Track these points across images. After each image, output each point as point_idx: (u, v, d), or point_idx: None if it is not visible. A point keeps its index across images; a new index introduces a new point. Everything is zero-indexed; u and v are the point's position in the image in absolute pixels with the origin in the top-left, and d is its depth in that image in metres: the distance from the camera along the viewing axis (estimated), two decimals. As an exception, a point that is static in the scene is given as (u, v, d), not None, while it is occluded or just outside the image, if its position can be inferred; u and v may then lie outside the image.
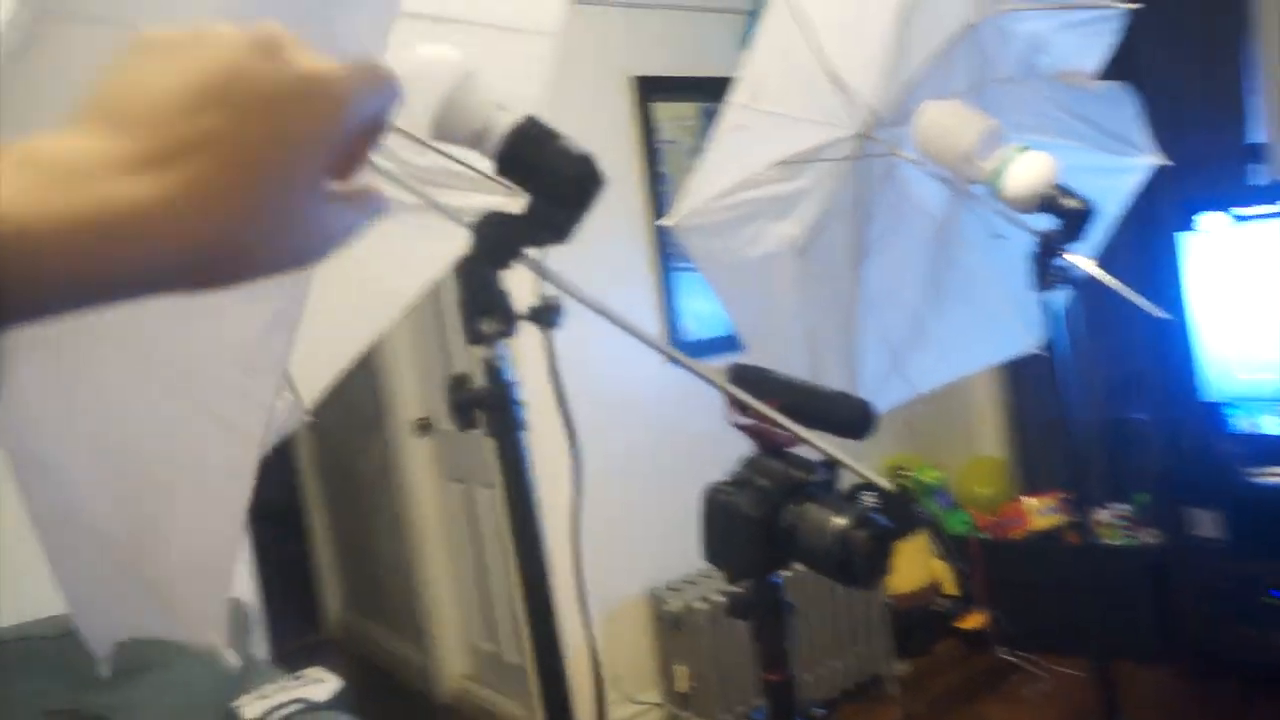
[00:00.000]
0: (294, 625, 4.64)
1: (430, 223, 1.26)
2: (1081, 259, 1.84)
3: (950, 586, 3.62)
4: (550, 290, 0.85)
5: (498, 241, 0.82)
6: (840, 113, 2.00)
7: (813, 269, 2.12)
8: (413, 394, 3.80)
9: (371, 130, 0.43)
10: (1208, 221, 3.05)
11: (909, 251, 2.20)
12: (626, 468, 3.18)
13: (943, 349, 2.23)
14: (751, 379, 1.22)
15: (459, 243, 0.87)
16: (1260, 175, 3.23)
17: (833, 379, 2.17)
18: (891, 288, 2.21)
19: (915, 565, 3.55)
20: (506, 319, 0.82)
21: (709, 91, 2.77)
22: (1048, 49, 2.07)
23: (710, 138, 1.96)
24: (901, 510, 3.23)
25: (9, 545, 1.90)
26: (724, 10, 3.38)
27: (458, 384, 0.85)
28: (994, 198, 1.80)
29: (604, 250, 3.19)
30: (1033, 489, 3.75)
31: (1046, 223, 1.80)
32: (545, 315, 0.85)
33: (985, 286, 2.22)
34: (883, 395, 2.20)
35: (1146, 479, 3.44)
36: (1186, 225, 3.09)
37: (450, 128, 0.84)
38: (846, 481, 1.17)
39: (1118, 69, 3.37)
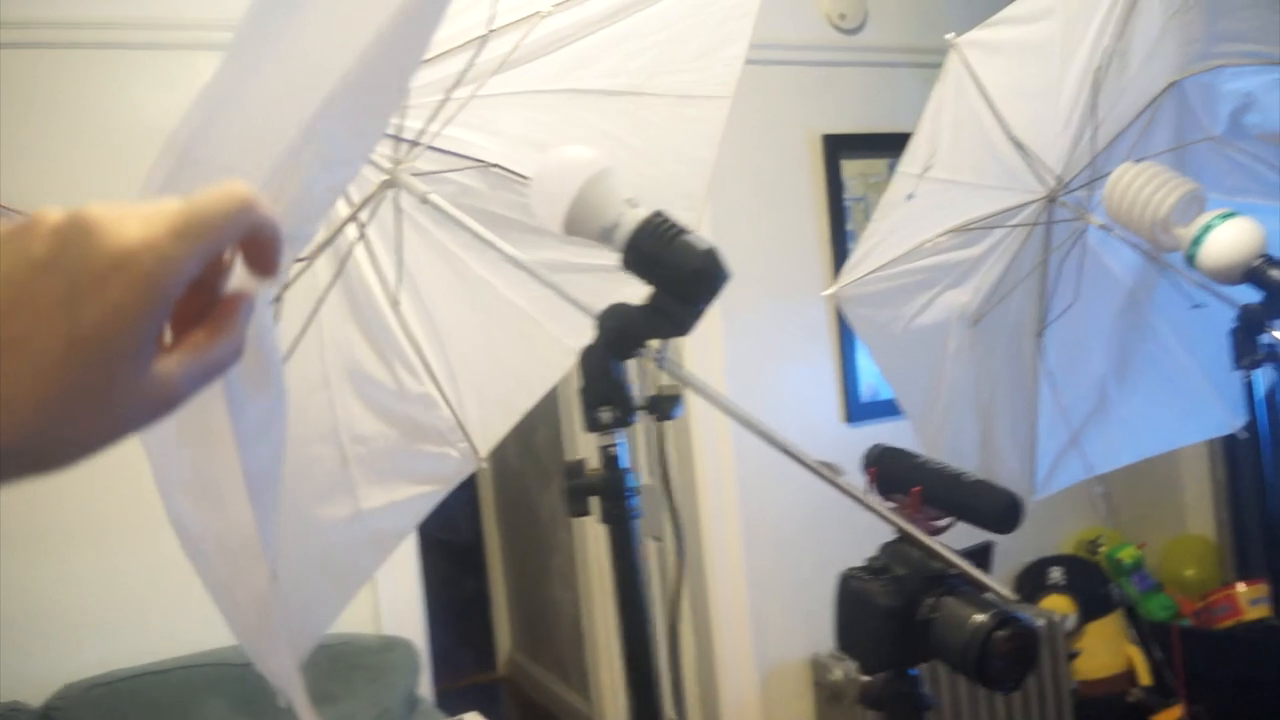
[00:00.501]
0: (467, 662, 4.82)
1: (606, 285, 1.30)
2: (1287, 337, 1.70)
3: (1146, 676, 3.36)
4: (668, 381, 0.87)
5: (620, 332, 0.85)
6: (1024, 177, 1.94)
7: (987, 339, 2.06)
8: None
9: (257, 248, 0.42)
10: None
11: (1096, 322, 2.10)
12: (797, 526, 3.15)
13: (1128, 427, 2.10)
14: (892, 463, 1.20)
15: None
16: None
17: (1004, 454, 2.09)
18: (1075, 360, 2.11)
19: (1108, 650, 3.31)
20: (625, 408, 0.85)
21: (898, 147, 2.74)
22: (1260, 107, 1.94)
23: (877, 209, 1.94)
24: (1092, 588, 3.03)
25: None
26: (913, 65, 3.34)
27: (573, 470, 0.89)
28: (1192, 267, 1.70)
29: (787, 307, 3.20)
30: (1247, 574, 3.43)
31: (1250, 296, 1.67)
32: (662, 405, 0.87)
33: (1180, 361, 2.08)
34: (1057, 474, 2.09)
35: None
36: None
37: (581, 225, 0.88)
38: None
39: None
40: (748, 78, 3.27)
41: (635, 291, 0.91)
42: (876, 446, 1.24)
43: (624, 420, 0.87)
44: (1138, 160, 1.80)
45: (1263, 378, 1.73)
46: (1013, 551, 3.51)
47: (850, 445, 3.33)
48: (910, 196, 1.89)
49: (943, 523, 1.16)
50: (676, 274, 0.83)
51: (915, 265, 1.96)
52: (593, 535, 3.87)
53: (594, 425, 0.86)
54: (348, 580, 1.58)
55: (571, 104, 1.44)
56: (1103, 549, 3.59)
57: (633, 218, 0.86)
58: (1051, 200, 1.98)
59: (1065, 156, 1.93)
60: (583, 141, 1.35)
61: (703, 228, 3.06)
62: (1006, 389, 2.12)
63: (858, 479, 1.26)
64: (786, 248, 3.24)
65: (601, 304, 0.95)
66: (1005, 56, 1.88)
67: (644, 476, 3.43)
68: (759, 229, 3.22)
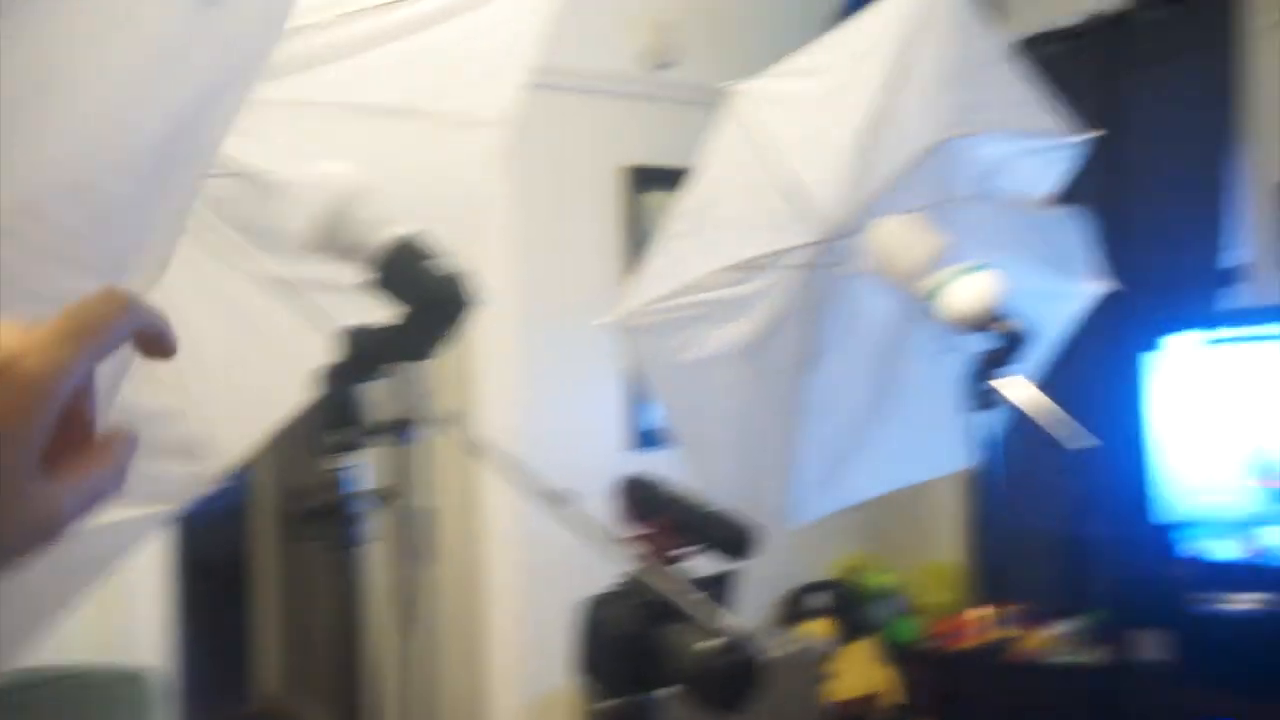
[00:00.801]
0: (228, 694, 4.53)
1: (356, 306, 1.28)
2: (1013, 382, 1.86)
3: (895, 695, 3.59)
4: (413, 406, 0.87)
5: (360, 353, 0.84)
6: (798, 221, 2.04)
7: (758, 373, 2.15)
8: (376, 462, 3.80)
9: (148, 340, 0.43)
10: (1175, 343, 3.08)
11: (856, 361, 2.23)
12: (572, 557, 3.18)
13: (879, 460, 2.25)
14: (642, 492, 1.25)
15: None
16: (1237, 297, 3.28)
17: (768, 483, 2.20)
18: (836, 395, 2.23)
19: (860, 671, 3.53)
20: (360, 431, 0.84)
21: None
22: (1007, 172, 2.12)
23: (657, 241, 2.01)
24: (851, 612, 3.23)
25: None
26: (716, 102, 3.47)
27: (297, 496, 0.87)
28: (938, 315, 1.84)
29: (587, 334, 3.25)
30: (990, 599, 3.73)
31: (987, 343, 1.83)
32: (400, 430, 0.87)
33: (929, 401, 2.21)
34: (815, 504, 2.22)
35: (1097, 597, 3.45)
36: (1152, 346, 3.12)
37: (331, 241, 0.87)
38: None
39: (1088, 189, 3.46)
40: (559, 105, 3.33)
41: (385, 312, 0.90)
42: (629, 475, 1.28)
43: (358, 443, 0.86)
44: (900, 213, 1.95)
45: (992, 419, 1.90)
46: (779, 576, 3.67)
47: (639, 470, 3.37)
48: (689, 232, 1.98)
49: (686, 550, 1.22)
50: (422, 298, 0.83)
51: (694, 299, 2.03)
52: (369, 560, 3.77)
53: (326, 447, 0.85)
54: (52, 609, 1.46)
55: (346, 117, 1.41)
56: (862, 574, 3.82)
57: (383, 238, 0.86)
58: (823, 245, 2.08)
59: (837, 205, 2.03)
60: (355, 157, 1.33)
61: (503, 250, 3.08)
62: (773, 422, 2.22)
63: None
64: (589, 274, 3.30)
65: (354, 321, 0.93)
66: (782, 107, 1.99)
67: (426, 497, 3.39)
68: (563, 254, 3.27)
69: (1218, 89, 3.22)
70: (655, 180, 3.39)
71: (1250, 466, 2.90)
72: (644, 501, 1.22)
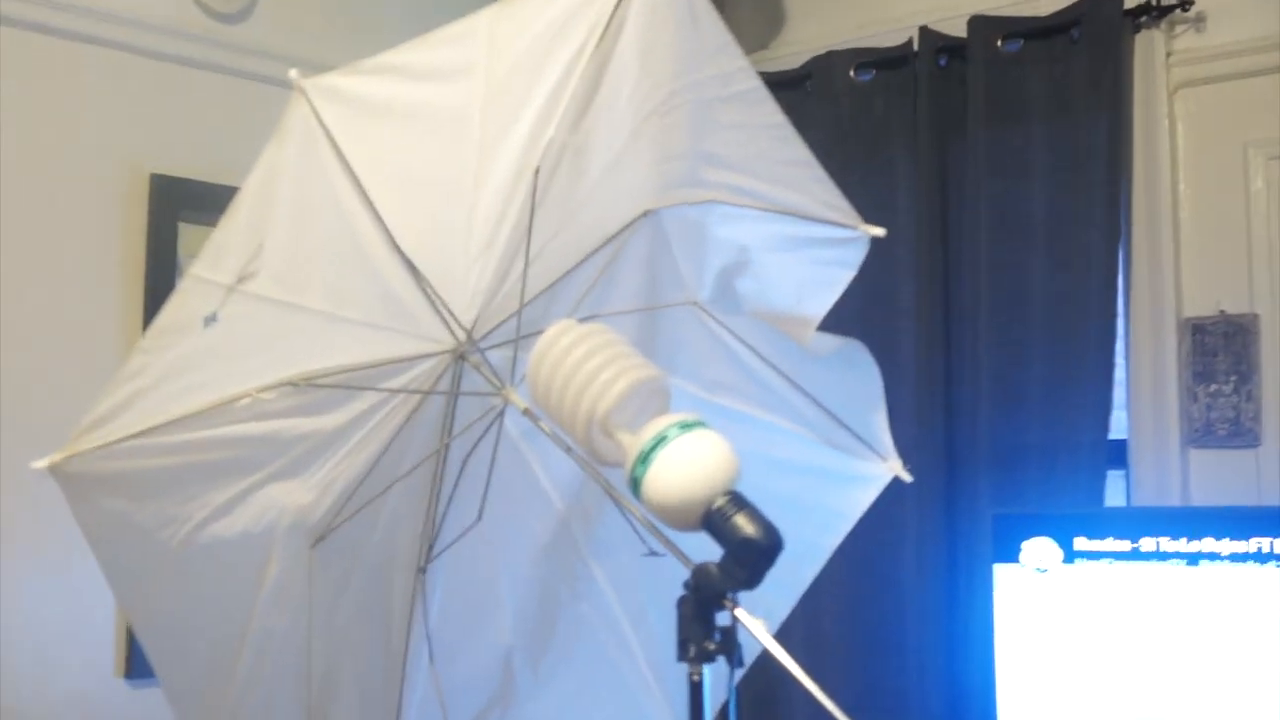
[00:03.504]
0: None
1: None
2: (751, 619, 1.79)
3: None
4: None
5: None
6: (415, 315, 2.02)
7: (335, 568, 2.12)
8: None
9: None
10: (1032, 552, 3.18)
11: (509, 559, 2.25)
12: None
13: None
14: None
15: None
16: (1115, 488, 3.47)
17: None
18: (472, 616, 2.26)
19: None
20: None
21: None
22: (754, 271, 2.11)
23: (149, 332, 1.90)
24: None
25: None
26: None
27: None
28: (637, 496, 1.76)
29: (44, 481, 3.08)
30: None
31: (711, 550, 1.76)
32: None
33: (621, 635, 2.27)
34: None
35: None
36: (1005, 555, 3.20)
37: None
38: None
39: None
40: (36, 57, 3.16)
41: None
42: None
43: None
44: (584, 319, 1.90)
45: (712, 677, 1.81)
46: None
47: (134, 716, 3.20)
48: (212, 319, 1.87)
49: None
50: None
51: (215, 435, 1.93)
52: None
53: None
54: None
55: None
56: None
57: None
58: (458, 358, 2.06)
59: (481, 295, 2.04)
60: None
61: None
62: (358, 653, 2.21)
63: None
64: (65, 365, 3.08)
65: None
66: (388, 123, 1.93)
67: None
68: (28, 332, 3.04)
69: (1108, 166, 3.37)
70: (202, 203, 3.24)
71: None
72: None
